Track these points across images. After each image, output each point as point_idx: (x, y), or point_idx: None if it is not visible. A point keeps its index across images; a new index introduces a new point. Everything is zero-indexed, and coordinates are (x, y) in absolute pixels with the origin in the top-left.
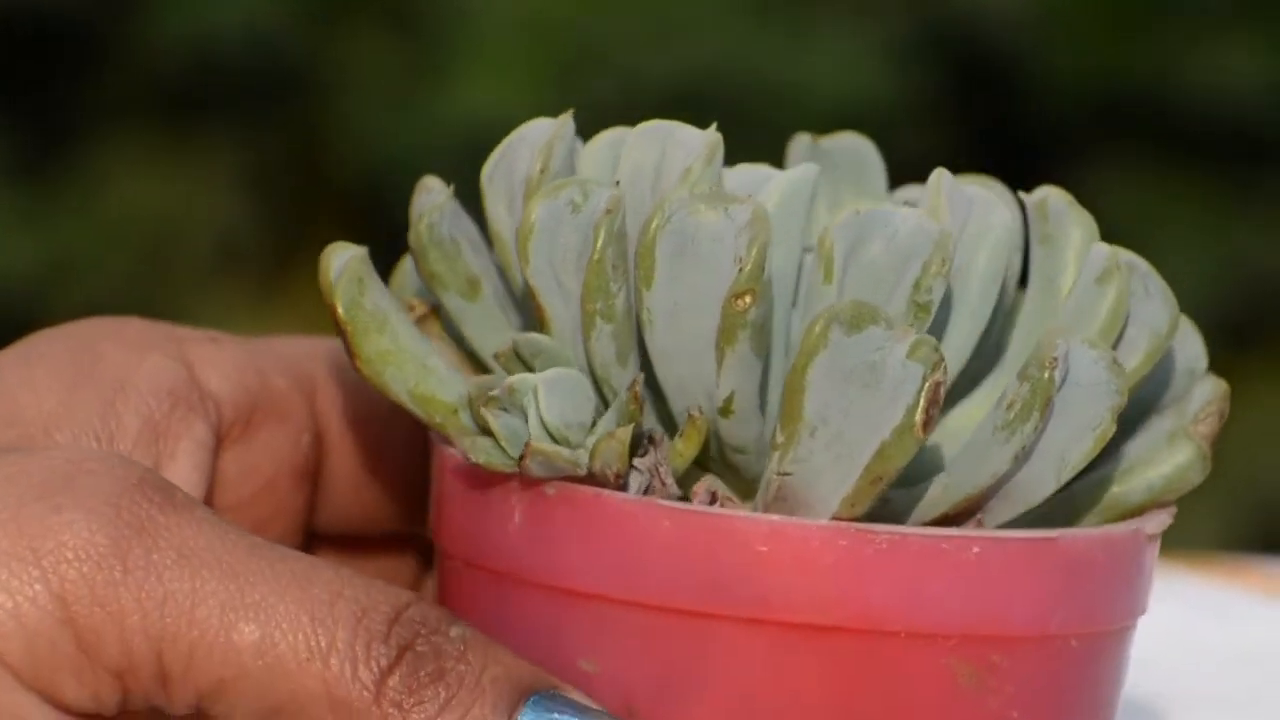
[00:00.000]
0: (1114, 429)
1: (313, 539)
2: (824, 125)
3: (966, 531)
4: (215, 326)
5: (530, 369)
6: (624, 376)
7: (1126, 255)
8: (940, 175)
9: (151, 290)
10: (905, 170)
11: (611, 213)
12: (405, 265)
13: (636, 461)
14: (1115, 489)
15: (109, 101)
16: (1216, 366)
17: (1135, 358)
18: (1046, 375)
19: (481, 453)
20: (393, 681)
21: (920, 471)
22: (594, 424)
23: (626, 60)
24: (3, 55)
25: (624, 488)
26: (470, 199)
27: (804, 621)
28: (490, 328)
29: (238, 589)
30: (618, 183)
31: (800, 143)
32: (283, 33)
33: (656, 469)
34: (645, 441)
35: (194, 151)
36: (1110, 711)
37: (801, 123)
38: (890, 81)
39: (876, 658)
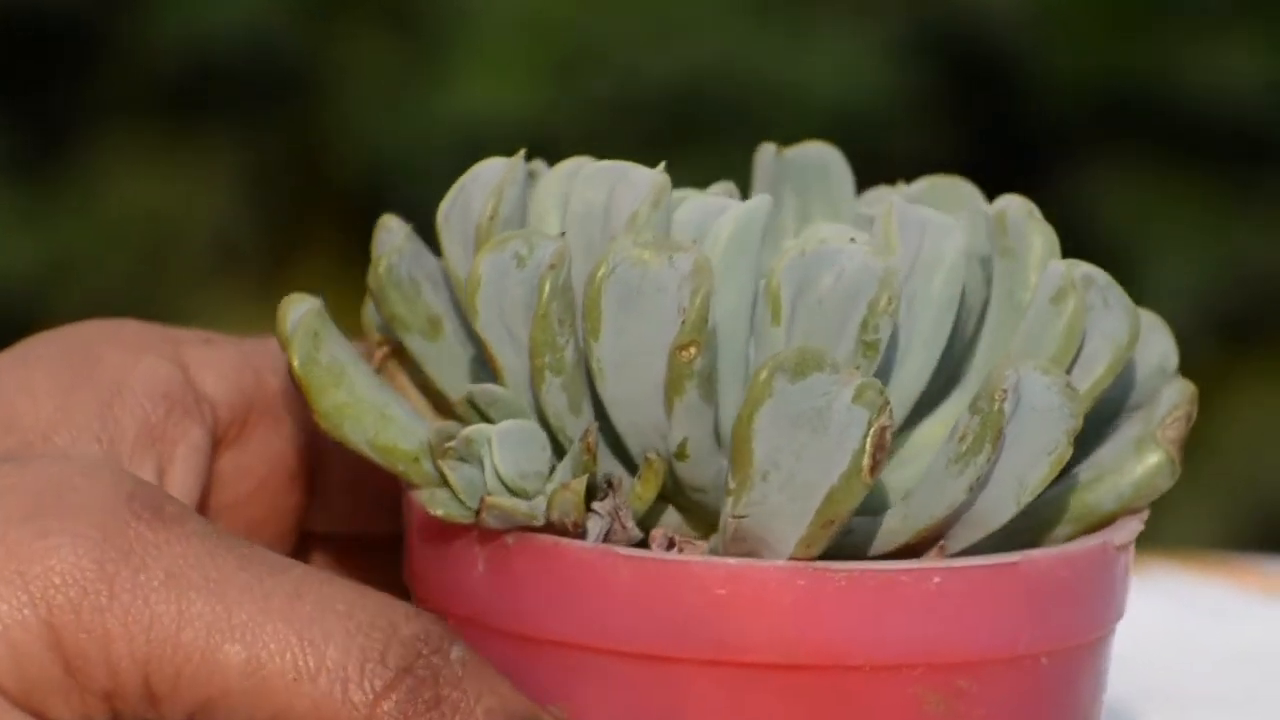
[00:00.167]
0: (1070, 452)
1: (309, 539)
2: (823, 125)
3: (925, 563)
4: (214, 325)
5: (486, 419)
6: (577, 426)
7: (1085, 268)
8: (891, 204)
9: (151, 290)
10: (904, 170)
11: (555, 267)
12: (371, 303)
13: (596, 505)
14: (1086, 498)
15: (108, 101)
16: (1216, 366)
17: (1097, 370)
18: (996, 407)
19: (440, 505)
20: (387, 705)
21: (881, 501)
22: (551, 472)
23: (625, 59)
24: (2, 54)
25: (583, 535)
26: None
27: (767, 661)
28: (453, 367)
29: (224, 609)
30: (563, 234)
31: (766, 153)
32: (282, 32)
33: (617, 512)
34: (605, 485)
35: (193, 151)
36: (1093, 717)
37: (801, 122)
38: (889, 81)
39: (842, 692)
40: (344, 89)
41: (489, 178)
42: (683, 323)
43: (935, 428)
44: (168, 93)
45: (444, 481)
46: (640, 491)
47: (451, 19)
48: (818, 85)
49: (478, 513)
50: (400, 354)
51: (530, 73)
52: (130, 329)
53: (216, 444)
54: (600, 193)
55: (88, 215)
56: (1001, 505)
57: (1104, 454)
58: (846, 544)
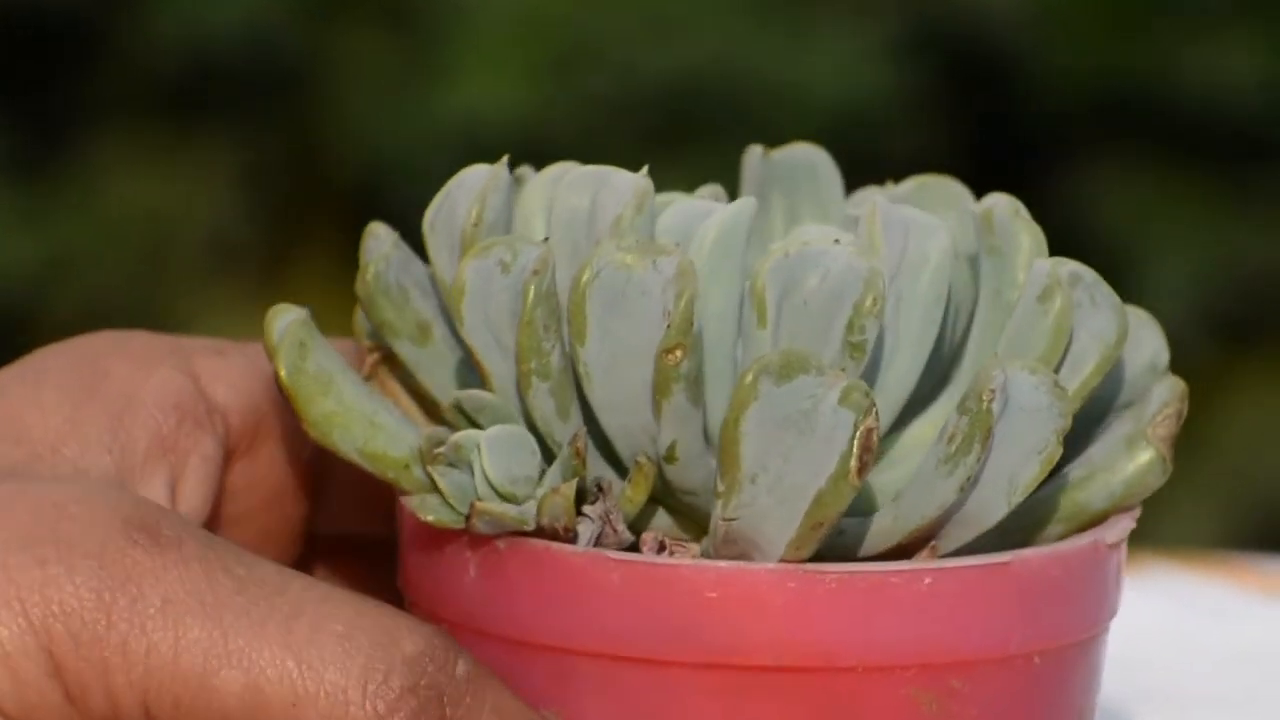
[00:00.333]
0: (1060, 451)
1: (316, 540)
2: (822, 124)
3: (917, 564)
4: (212, 324)
5: (475, 424)
6: (566, 430)
7: (1071, 266)
8: (875, 205)
9: (149, 288)
10: (903, 169)
11: (539, 273)
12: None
13: (587, 509)
14: (1077, 496)
15: (107, 100)
16: (1214, 365)
17: (1085, 369)
18: (984, 408)
19: (430, 511)
20: None
21: (872, 502)
22: (541, 477)
23: (623, 58)
24: (1, 53)
25: (574, 539)
26: None
27: (759, 663)
28: (443, 372)
29: (221, 635)
30: (546, 239)
31: (753, 155)
32: (280, 31)
33: (607, 516)
34: (595, 489)
35: (192, 150)
36: (1087, 715)
37: (799, 121)
38: (888, 80)
39: (834, 694)
40: (342, 88)
41: (473, 184)
42: (668, 326)
43: (925, 428)
44: (167, 92)
45: (434, 487)
46: (630, 495)
47: (449, 17)
48: (816, 84)
49: (468, 518)
50: (391, 359)
51: (528, 71)
52: (140, 341)
53: (229, 455)
54: (584, 198)
55: (87, 214)
56: (992, 505)
57: (1095, 452)
58: (838, 545)
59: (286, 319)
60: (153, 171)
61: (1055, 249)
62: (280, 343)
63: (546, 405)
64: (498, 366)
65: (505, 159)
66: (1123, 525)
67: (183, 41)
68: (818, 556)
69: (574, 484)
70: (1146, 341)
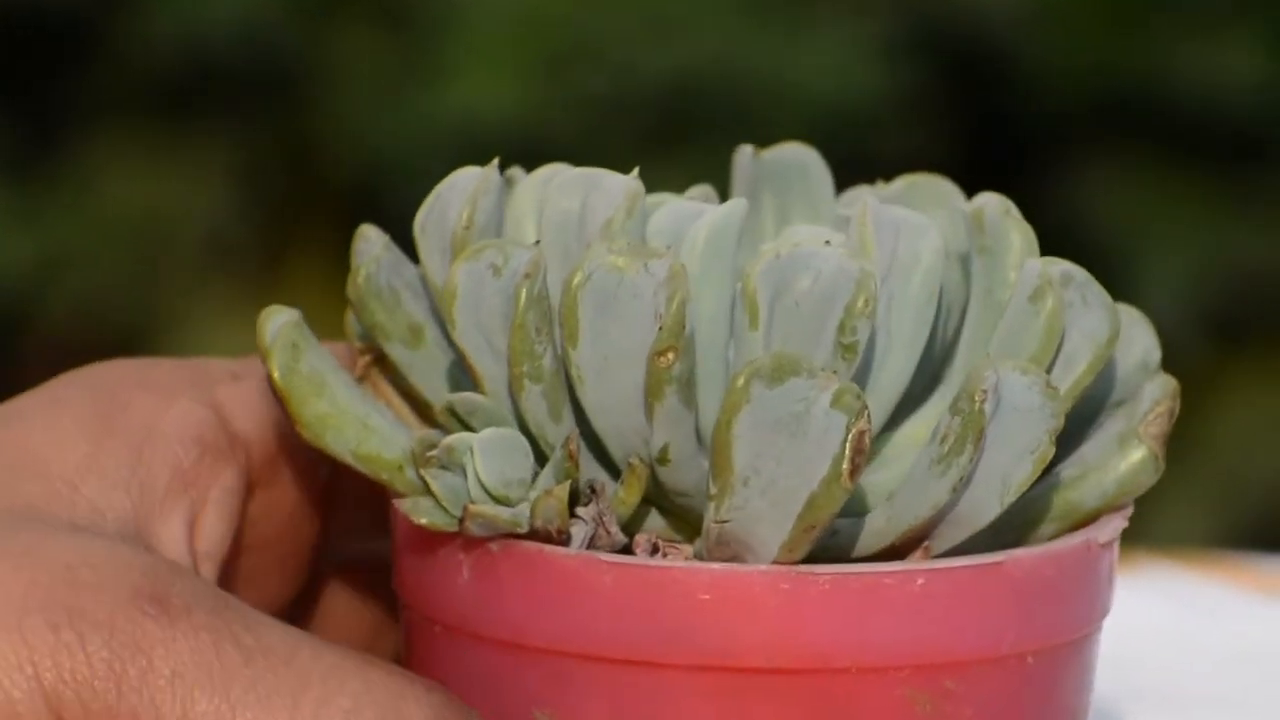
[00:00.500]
0: (1053, 451)
1: (327, 558)
2: (818, 123)
3: (910, 565)
4: (208, 323)
5: (468, 427)
6: (559, 432)
7: (1063, 266)
8: (866, 205)
9: (145, 287)
10: (898, 168)
11: (530, 276)
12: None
13: (581, 511)
14: (1069, 495)
15: (102, 98)
16: (1209, 364)
17: (1077, 368)
18: (977, 408)
19: (423, 514)
20: None
21: (865, 503)
22: (534, 480)
23: (619, 57)
24: None
25: (567, 541)
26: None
27: (753, 665)
28: (436, 374)
29: (229, 709)
30: (537, 242)
31: (744, 155)
32: (275, 30)
33: (600, 518)
34: (588, 491)
35: (188, 149)
36: (1080, 714)
37: (795, 120)
38: (885, 78)
39: (829, 695)
40: (338, 87)
41: (464, 186)
42: (660, 329)
43: (918, 428)
44: (162, 91)
45: (427, 490)
46: (624, 496)
47: (445, 16)
48: (812, 84)
49: (461, 521)
50: (382, 362)
51: (524, 70)
52: (160, 370)
53: (250, 486)
54: (574, 200)
55: (82, 213)
56: (985, 505)
57: (1087, 451)
58: (831, 545)
59: (279, 321)
60: (148, 171)
61: (1050, 248)
62: (273, 344)
63: (539, 408)
64: (490, 369)
65: (496, 161)
66: (1115, 524)
67: (178, 40)
68: (811, 557)
69: (567, 486)
70: (1138, 340)
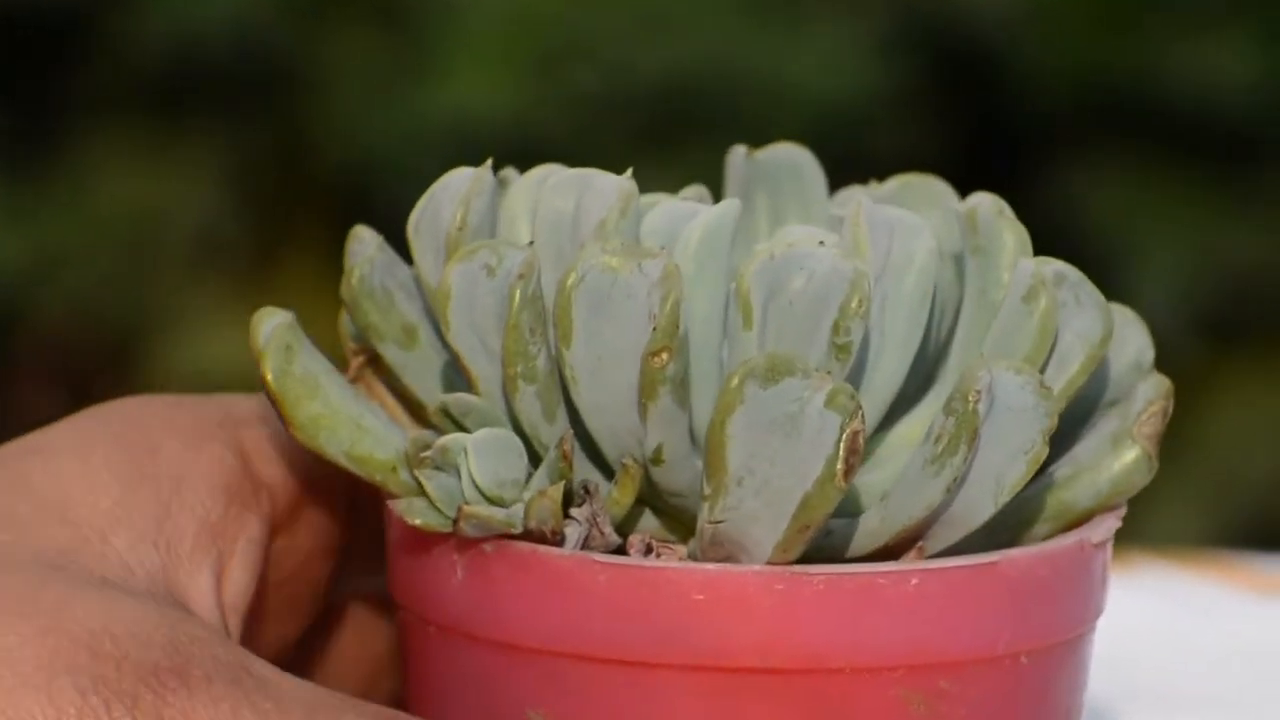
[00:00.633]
0: (1046, 451)
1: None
2: (811, 122)
3: (904, 565)
4: (200, 323)
5: (462, 428)
6: (552, 433)
7: (1056, 266)
8: (860, 205)
9: (137, 286)
10: (891, 167)
11: (525, 277)
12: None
13: (574, 512)
14: (1063, 495)
15: (95, 96)
16: (1202, 363)
17: (1071, 368)
18: (971, 408)
19: (417, 514)
20: None
21: (859, 503)
22: (528, 480)
23: (613, 56)
24: None
25: (561, 542)
26: None
27: (747, 665)
28: (430, 375)
29: None
30: (531, 243)
31: (737, 155)
32: (268, 29)
33: (594, 518)
34: (582, 491)
35: (180, 147)
36: (1074, 714)
37: (789, 119)
38: (878, 77)
39: (823, 695)
40: (331, 86)
41: (457, 187)
42: (654, 329)
43: (912, 428)
44: (155, 89)
45: (421, 491)
46: (617, 497)
47: (438, 14)
48: (806, 82)
49: (455, 521)
50: (377, 362)
51: (517, 69)
52: (188, 412)
53: (273, 531)
54: (568, 200)
55: (75, 211)
56: (979, 505)
57: (1080, 451)
58: (826, 546)
59: (272, 322)
60: (141, 169)
61: (1043, 247)
62: (266, 346)
63: (533, 408)
64: (484, 370)
65: (490, 162)
66: (1108, 524)
67: (172, 39)
68: (805, 558)
69: (561, 486)
70: (1131, 340)
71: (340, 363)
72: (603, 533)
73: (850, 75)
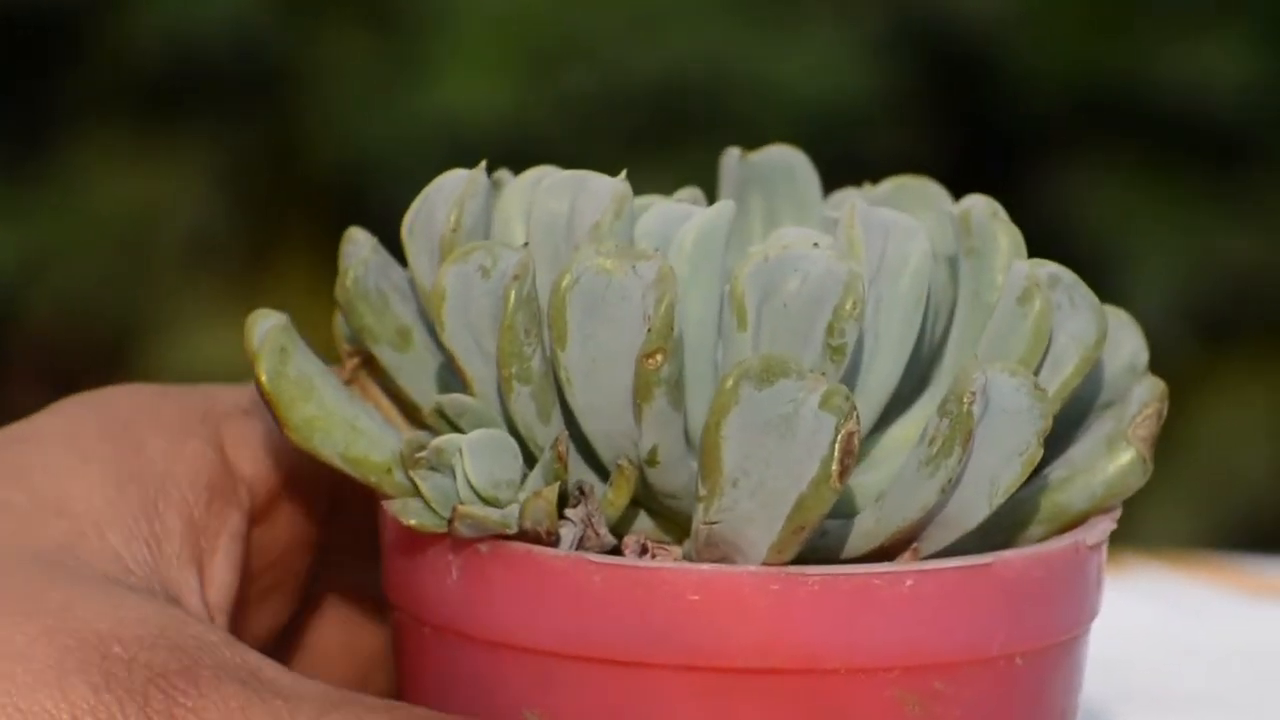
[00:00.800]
0: (1041, 453)
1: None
2: (804, 123)
3: (898, 566)
4: (192, 324)
5: (457, 429)
6: (547, 434)
7: (1051, 268)
8: (854, 206)
9: (130, 287)
10: (885, 169)
11: (519, 278)
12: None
13: (569, 512)
14: (1058, 497)
15: (88, 97)
16: (1195, 364)
17: (1065, 371)
18: (965, 409)
19: (412, 515)
20: None
21: (854, 504)
22: (523, 481)
23: (606, 57)
24: None
25: (556, 542)
26: None
27: (742, 666)
28: (424, 377)
29: None
30: (526, 244)
31: (731, 157)
32: (261, 30)
33: (589, 519)
34: (577, 492)
35: (173, 148)
36: (1069, 716)
37: (782, 120)
38: (870, 79)
39: (818, 696)
40: (324, 87)
41: (451, 189)
42: (648, 331)
43: (907, 430)
44: (148, 90)
45: (416, 492)
46: (613, 498)
47: (432, 17)
48: (800, 84)
49: (450, 522)
50: (371, 364)
51: (511, 70)
52: (172, 405)
53: (251, 524)
54: (562, 202)
55: (68, 212)
56: (974, 506)
57: (1075, 453)
58: (821, 547)
59: (267, 324)
60: (134, 170)
61: (1037, 249)
62: (261, 348)
63: (528, 409)
64: (479, 371)
65: (484, 164)
66: (1103, 526)
67: (164, 40)
68: (800, 559)
69: (556, 487)
70: (1125, 342)
71: (335, 363)
72: (598, 534)
73: (844, 77)
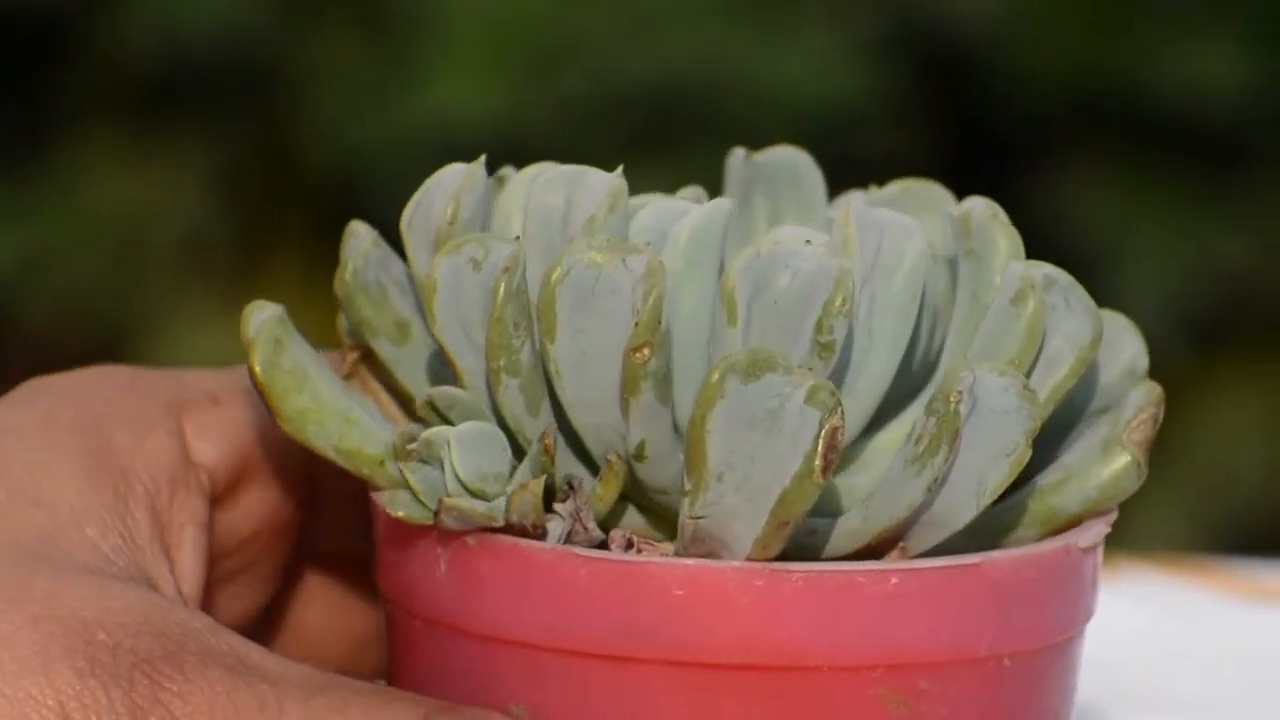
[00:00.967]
0: (1029, 453)
1: (309, 557)
2: (800, 125)
3: (884, 564)
4: (187, 325)
5: (447, 421)
6: (536, 427)
7: (1046, 269)
8: (849, 207)
9: (125, 288)
10: (881, 170)
11: (509, 270)
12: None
13: (559, 507)
14: (1052, 500)
15: (83, 99)
16: (1190, 367)
17: (1059, 372)
18: (952, 409)
19: (401, 506)
20: None
21: (843, 503)
22: (512, 474)
23: (600, 59)
24: None
25: (544, 536)
26: None
27: (726, 662)
28: (421, 369)
29: None
30: (518, 237)
31: (736, 157)
32: (255, 32)
33: (578, 514)
34: (566, 487)
35: (167, 150)
36: (1062, 718)
37: (777, 122)
38: (865, 81)
39: (802, 692)
40: (318, 89)
41: (450, 183)
42: (636, 324)
43: (899, 431)
44: (142, 92)
45: (405, 485)
46: (601, 493)
47: (425, 18)
48: (796, 86)
49: (436, 514)
50: (371, 358)
51: (504, 72)
52: (139, 395)
53: (213, 506)
54: (558, 197)
55: (62, 213)
56: (962, 506)
57: (1070, 457)
58: (810, 545)
59: (263, 315)
60: (128, 172)
61: (1031, 250)
62: (255, 339)
63: (516, 402)
64: (469, 363)
65: (483, 158)
66: (1097, 529)
67: (159, 41)
68: (791, 556)
69: (542, 481)
70: (1125, 346)
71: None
72: (586, 528)
73: (839, 79)
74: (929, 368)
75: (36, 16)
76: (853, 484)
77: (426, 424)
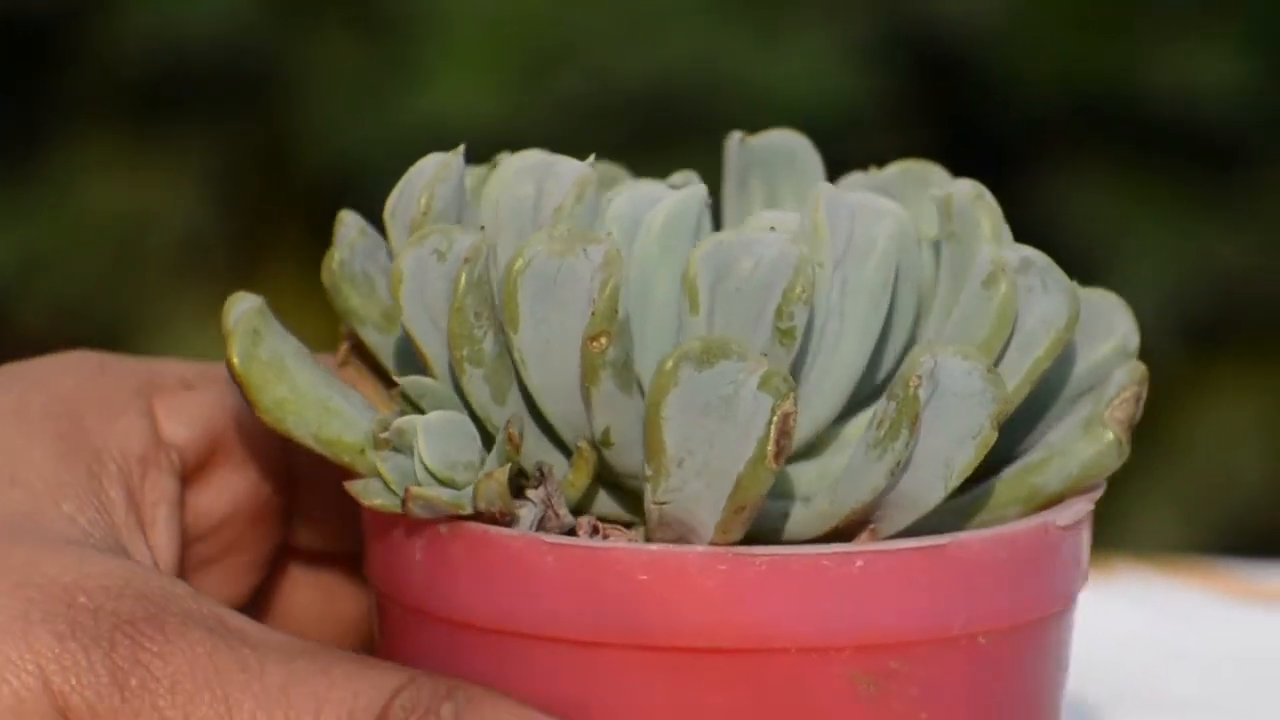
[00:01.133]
0: (995, 436)
1: (292, 554)
2: (795, 125)
3: (850, 547)
4: (183, 327)
5: (419, 409)
6: (503, 415)
7: (1024, 251)
8: (819, 193)
9: (121, 290)
10: None
11: (470, 261)
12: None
13: (530, 493)
14: (1034, 479)
15: (79, 101)
16: (1186, 368)
17: (1035, 352)
18: (911, 393)
19: (374, 495)
20: None
21: (812, 487)
22: (482, 462)
23: (596, 60)
24: None
25: (512, 523)
26: None
27: (692, 645)
28: (406, 358)
29: (226, 711)
30: (483, 227)
31: (733, 141)
32: (252, 33)
33: (550, 500)
34: (538, 473)
35: (163, 151)
36: (1049, 696)
37: (773, 122)
38: (859, 82)
39: (770, 675)
40: (313, 90)
41: (427, 173)
42: (593, 314)
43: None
44: (138, 94)
45: (378, 473)
46: (573, 479)
47: (422, 19)
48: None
49: (404, 502)
50: (364, 346)
51: (501, 74)
52: (110, 379)
53: (184, 486)
54: (529, 186)
55: (59, 215)
56: (929, 488)
57: (1054, 435)
58: (779, 529)
59: (242, 306)
60: (125, 173)
61: None
62: (234, 330)
63: (481, 391)
64: (437, 353)
65: (461, 148)
66: (1077, 507)
67: (154, 43)
68: (764, 539)
69: (508, 469)
70: (1116, 326)
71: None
72: (558, 514)
73: (834, 80)
74: (908, 350)
75: (34, 18)
76: (827, 467)
77: (404, 412)
